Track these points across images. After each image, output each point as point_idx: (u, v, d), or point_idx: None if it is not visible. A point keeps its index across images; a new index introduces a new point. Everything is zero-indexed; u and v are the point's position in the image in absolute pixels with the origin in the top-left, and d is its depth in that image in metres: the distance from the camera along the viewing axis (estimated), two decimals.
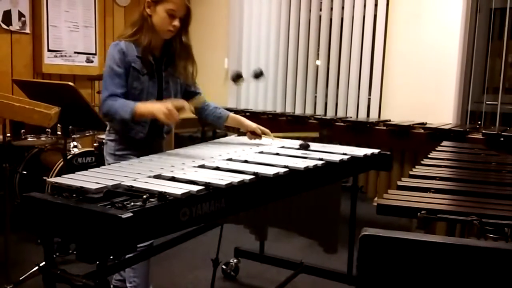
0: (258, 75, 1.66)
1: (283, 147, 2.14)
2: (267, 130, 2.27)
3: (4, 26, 4.15)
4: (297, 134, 2.24)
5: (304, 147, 2.07)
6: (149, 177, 1.51)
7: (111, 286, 2.34)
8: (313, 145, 2.21)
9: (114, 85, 2.02)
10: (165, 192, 1.33)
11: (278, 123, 3.73)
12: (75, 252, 2.94)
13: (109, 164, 2.10)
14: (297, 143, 2.19)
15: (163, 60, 2.16)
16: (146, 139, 2.16)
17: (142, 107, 1.95)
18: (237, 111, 4.08)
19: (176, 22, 2.05)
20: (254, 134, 2.26)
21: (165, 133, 2.27)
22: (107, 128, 2.22)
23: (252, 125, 2.27)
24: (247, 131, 2.28)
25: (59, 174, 3.13)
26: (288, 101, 4.64)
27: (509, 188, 1.56)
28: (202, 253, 3.03)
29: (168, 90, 2.17)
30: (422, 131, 3.09)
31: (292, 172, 1.71)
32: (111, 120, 2.08)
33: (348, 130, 3.38)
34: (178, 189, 1.36)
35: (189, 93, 2.30)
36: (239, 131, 2.43)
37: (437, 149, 2.33)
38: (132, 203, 1.29)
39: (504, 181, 1.68)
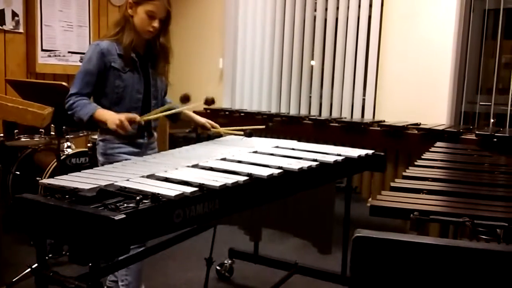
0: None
1: (277, 147, 2.14)
2: (215, 125, 2.39)
3: None
4: (244, 128, 2.32)
5: (248, 135, 2.20)
6: (143, 177, 1.51)
7: (105, 287, 2.34)
8: (307, 146, 2.22)
9: (83, 84, 2.10)
10: (158, 194, 1.33)
11: (273, 124, 3.73)
12: (68, 254, 2.93)
13: (101, 164, 2.11)
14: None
15: (148, 57, 2.21)
16: (136, 136, 2.17)
17: (100, 113, 2.03)
18: (231, 112, 4.09)
19: (156, 24, 2.11)
20: (204, 129, 2.40)
21: (154, 129, 2.30)
22: (98, 129, 2.23)
23: (202, 119, 2.41)
24: (197, 126, 2.42)
25: (52, 175, 3.11)
26: (283, 101, 4.64)
27: (501, 189, 1.57)
28: (196, 254, 3.02)
29: (156, 86, 2.24)
30: (416, 131, 3.10)
31: (286, 173, 1.71)
32: (71, 115, 2.12)
33: (342, 130, 3.39)
34: (171, 190, 1.36)
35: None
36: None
37: (430, 150, 2.34)
38: (125, 205, 1.29)
39: (497, 182, 1.69)
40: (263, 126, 2.43)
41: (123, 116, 1.96)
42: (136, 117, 2.00)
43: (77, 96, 2.08)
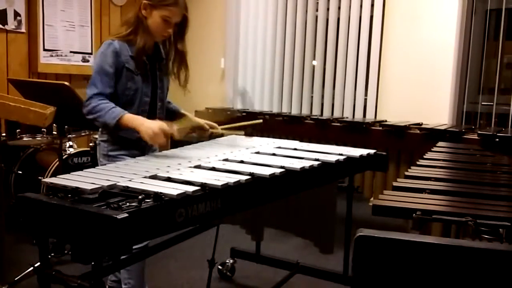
0: None
1: (279, 147, 2.14)
2: (214, 124, 2.33)
3: None
4: (242, 124, 2.30)
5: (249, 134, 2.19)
6: (145, 177, 1.51)
7: (106, 287, 2.34)
8: (309, 145, 2.22)
9: (103, 83, 1.99)
10: (160, 193, 1.33)
11: (274, 123, 3.73)
12: (70, 253, 2.93)
13: (102, 165, 2.09)
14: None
15: (156, 59, 2.17)
16: (140, 138, 2.16)
17: (129, 119, 1.93)
18: (233, 111, 4.09)
19: (170, 29, 2.07)
20: (202, 130, 2.33)
21: None
22: (100, 129, 2.21)
23: (200, 121, 2.34)
24: (195, 128, 2.34)
25: (54, 174, 3.12)
26: (285, 101, 4.64)
27: (504, 189, 1.57)
28: (198, 254, 3.02)
29: (162, 88, 2.21)
30: (418, 131, 3.10)
31: (288, 172, 1.71)
32: (92, 120, 2.01)
33: (344, 130, 3.39)
34: (173, 189, 1.36)
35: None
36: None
37: (432, 149, 2.34)
38: (128, 204, 1.29)
39: (499, 182, 1.69)
40: (261, 121, 2.41)
41: (157, 128, 1.85)
42: (174, 132, 1.90)
43: (100, 99, 1.96)
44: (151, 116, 2.16)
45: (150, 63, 2.13)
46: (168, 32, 2.07)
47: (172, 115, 2.43)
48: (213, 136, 2.39)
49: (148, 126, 1.87)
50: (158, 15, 2.03)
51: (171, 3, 2.02)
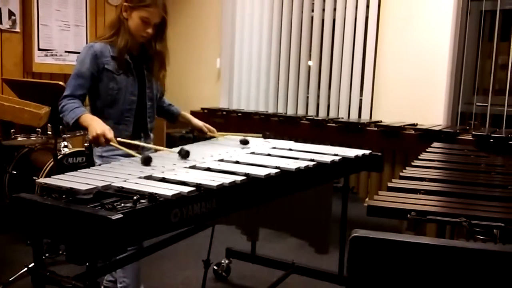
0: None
1: (274, 147, 2.14)
2: (213, 128, 2.42)
3: None
4: (241, 135, 2.32)
5: (244, 142, 2.21)
6: (140, 178, 1.51)
7: (102, 287, 2.33)
8: (305, 146, 2.22)
9: (76, 86, 2.08)
10: (155, 193, 1.33)
11: (270, 123, 3.74)
12: (64, 253, 2.92)
13: (97, 165, 2.10)
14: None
15: (143, 59, 2.21)
16: (132, 137, 2.17)
17: (84, 119, 1.99)
18: (229, 112, 4.09)
19: (150, 30, 2.12)
20: (201, 132, 2.41)
21: (150, 130, 2.29)
22: None
23: (199, 123, 2.43)
24: (194, 129, 2.44)
25: (49, 174, 3.10)
26: (280, 101, 4.64)
27: (498, 190, 1.58)
28: (194, 254, 3.02)
29: (151, 88, 2.24)
30: (413, 132, 3.11)
31: (284, 173, 1.71)
32: (62, 118, 2.10)
33: (339, 130, 3.39)
34: (168, 190, 1.36)
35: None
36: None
37: (427, 150, 2.35)
38: (122, 204, 1.29)
39: (493, 183, 1.70)
40: (260, 135, 2.43)
41: (100, 130, 1.90)
42: (113, 140, 1.92)
43: (69, 99, 2.06)
44: (139, 114, 2.19)
45: (135, 63, 2.17)
46: (148, 32, 2.12)
47: (172, 116, 2.45)
48: (209, 137, 2.40)
49: (94, 127, 1.92)
50: (137, 16, 2.09)
51: (149, 4, 2.08)
